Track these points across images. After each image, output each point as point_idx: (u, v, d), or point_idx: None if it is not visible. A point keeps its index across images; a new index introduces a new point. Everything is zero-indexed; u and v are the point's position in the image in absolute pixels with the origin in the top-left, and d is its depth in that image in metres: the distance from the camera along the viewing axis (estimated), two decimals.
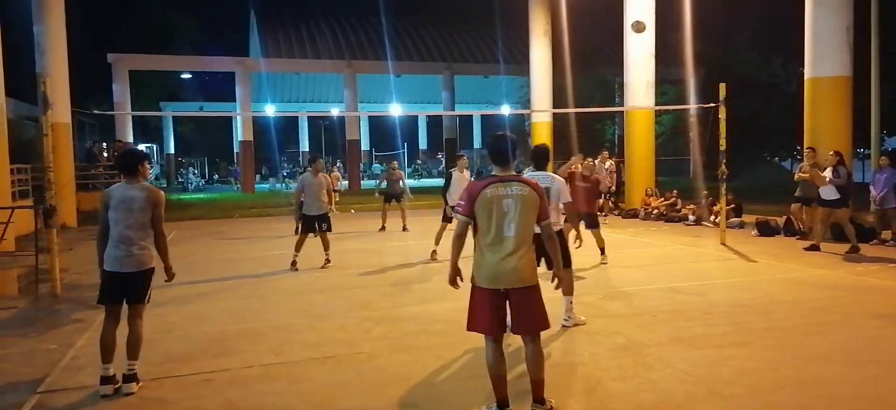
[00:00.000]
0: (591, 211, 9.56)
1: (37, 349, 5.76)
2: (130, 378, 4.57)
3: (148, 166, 5.01)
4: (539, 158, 5.02)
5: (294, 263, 9.46)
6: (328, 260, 9.68)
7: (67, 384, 4.81)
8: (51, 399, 4.53)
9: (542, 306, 3.94)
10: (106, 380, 4.50)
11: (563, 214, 6.16)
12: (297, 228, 9.93)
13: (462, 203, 4.00)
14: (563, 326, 6.00)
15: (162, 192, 4.97)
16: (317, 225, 9.58)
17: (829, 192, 10.18)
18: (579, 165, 9.77)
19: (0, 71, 12.43)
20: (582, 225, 6.82)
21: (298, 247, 9.57)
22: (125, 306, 4.71)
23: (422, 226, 15.37)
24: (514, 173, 4.00)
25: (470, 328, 3.98)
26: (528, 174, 5.77)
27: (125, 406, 4.37)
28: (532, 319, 3.90)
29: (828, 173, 10.23)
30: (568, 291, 5.98)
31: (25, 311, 7.34)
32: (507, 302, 3.86)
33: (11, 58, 12.96)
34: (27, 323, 6.76)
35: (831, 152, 10.46)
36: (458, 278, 4.03)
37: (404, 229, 13.91)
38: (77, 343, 5.87)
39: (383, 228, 14.24)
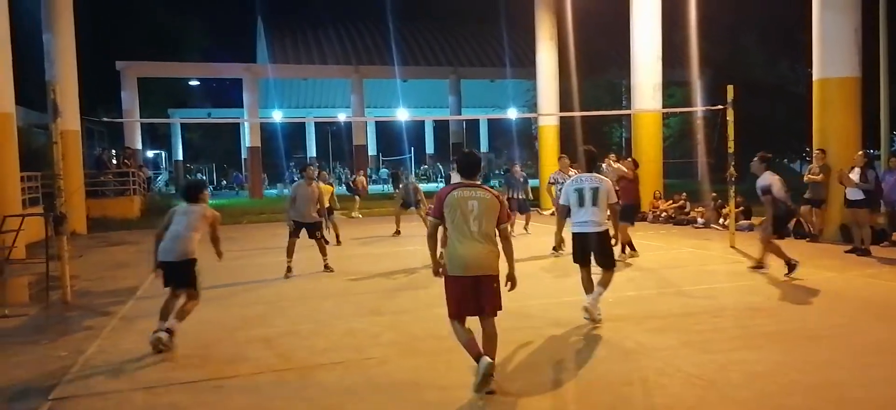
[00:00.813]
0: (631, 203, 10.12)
1: (48, 356, 5.80)
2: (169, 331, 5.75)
3: (208, 194, 6.59)
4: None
5: (289, 270, 9.43)
6: (327, 266, 9.66)
7: (78, 391, 4.84)
8: (62, 406, 4.56)
9: (499, 293, 4.58)
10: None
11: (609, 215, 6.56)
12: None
13: (432, 207, 4.74)
14: (584, 307, 6.20)
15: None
16: (309, 234, 9.57)
17: (855, 193, 10.19)
18: (615, 165, 10.13)
19: (10, 79, 12.53)
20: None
21: (289, 252, 9.51)
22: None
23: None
24: (478, 182, 4.68)
25: (448, 305, 4.59)
26: (575, 175, 6.29)
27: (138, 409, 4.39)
28: (489, 303, 4.53)
29: (855, 175, 10.23)
30: (604, 284, 6.36)
31: (36, 318, 7.39)
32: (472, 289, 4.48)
33: (21, 66, 13.06)
34: (38, 330, 6.80)
35: (859, 153, 10.51)
36: (440, 268, 4.68)
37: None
38: (88, 350, 5.90)
39: (398, 232, 14.27)
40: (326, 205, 12.48)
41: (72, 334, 6.59)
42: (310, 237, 9.59)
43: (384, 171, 39.76)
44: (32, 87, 19.45)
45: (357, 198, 20.74)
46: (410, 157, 42.75)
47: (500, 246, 4.64)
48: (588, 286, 6.42)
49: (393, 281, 8.95)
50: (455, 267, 4.50)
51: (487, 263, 4.48)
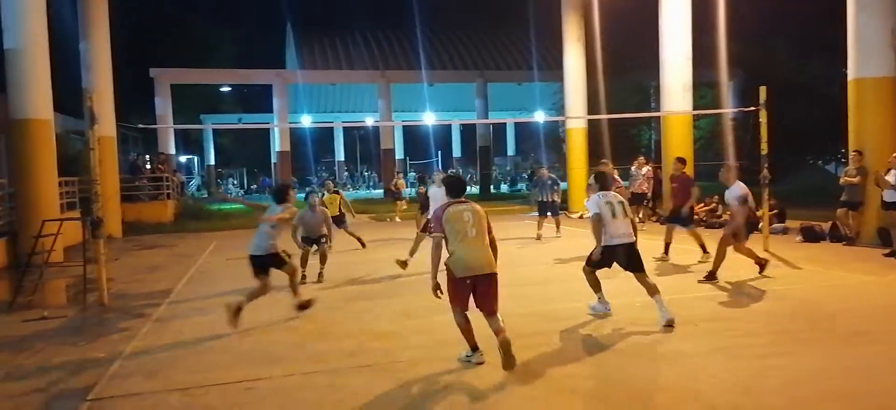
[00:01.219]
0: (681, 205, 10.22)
1: (86, 357, 5.94)
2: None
3: (293, 191, 7.72)
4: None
5: (303, 278, 9.31)
6: (321, 275, 9.52)
7: (115, 392, 4.95)
8: (100, 406, 4.67)
9: (497, 290, 5.24)
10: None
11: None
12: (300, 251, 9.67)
13: (433, 226, 5.49)
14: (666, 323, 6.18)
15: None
16: (317, 243, 9.54)
17: (892, 195, 10.00)
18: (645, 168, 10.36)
19: (49, 87, 12.88)
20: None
21: (303, 263, 9.39)
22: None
23: None
24: (464, 199, 5.47)
25: (452, 303, 5.27)
26: (597, 193, 6.68)
27: None
28: (491, 300, 5.18)
29: (892, 177, 10.02)
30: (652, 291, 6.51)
31: (74, 320, 7.57)
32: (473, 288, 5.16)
33: (58, 74, 13.42)
34: (76, 332, 6.97)
35: (894, 154, 10.27)
36: (438, 290, 5.30)
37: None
38: (125, 351, 6.03)
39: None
40: (338, 212, 12.54)
41: (109, 335, 6.73)
42: (318, 244, 9.56)
43: (411, 175, 39.94)
44: (69, 95, 19.94)
45: (398, 201, 20.76)
46: (437, 161, 42.84)
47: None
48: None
49: (420, 284, 8.96)
50: (461, 269, 5.13)
51: (487, 262, 5.19)
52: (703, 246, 10.00)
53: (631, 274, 6.58)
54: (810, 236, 12.06)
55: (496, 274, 5.21)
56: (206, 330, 6.75)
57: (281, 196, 7.39)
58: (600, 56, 22.05)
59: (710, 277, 8.18)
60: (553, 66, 29.17)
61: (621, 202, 6.63)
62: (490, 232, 5.32)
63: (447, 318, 6.85)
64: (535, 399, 4.49)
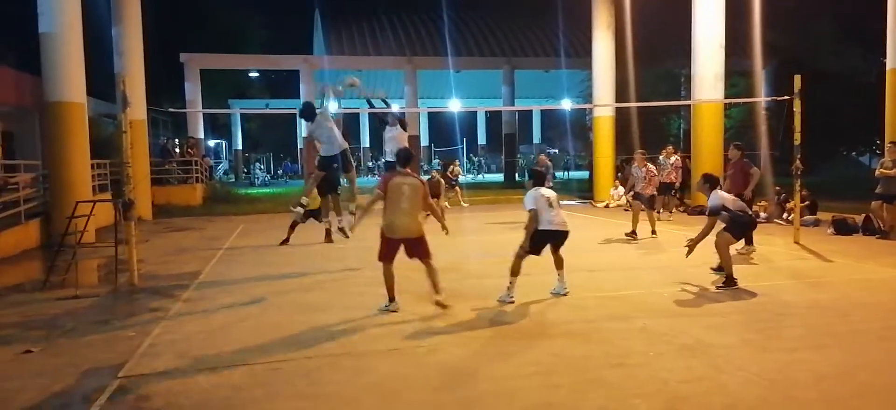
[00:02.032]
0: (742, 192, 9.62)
1: (117, 336, 6.06)
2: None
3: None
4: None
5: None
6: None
7: (146, 370, 5.04)
8: (131, 383, 4.76)
9: (426, 246, 6.53)
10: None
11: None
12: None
13: (378, 186, 6.60)
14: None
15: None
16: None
17: None
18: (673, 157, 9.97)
19: (82, 71, 13.11)
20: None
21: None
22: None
23: (477, 222, 15.40)
24: (409, 171, 6.60)
25: (380, 259, 6.53)
26: (533, 189, 7.13)
27: (200, 390, 4.55)
28: (420, 252, 6.54)
29: None
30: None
31: (106, 300, 7.73)
32: (403, 245, 6.50)
33: (91, 59, 13.64)
34: (108, 311, 7.11)
35: None
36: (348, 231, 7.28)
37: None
38: (154, 331, 6.14)
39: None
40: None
41: (139, 315, 6.87)
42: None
43: (436, 163, 39.94)
44: (101, 79, 20.28)
45: (457, 188, 20.49)
46: (462, 148, 42.77)
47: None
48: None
49: (445, 271, 8.97)
50: (390, 232, 6.41)
51: (414, 229, 6.41)
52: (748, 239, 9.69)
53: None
54: (842, 229, 11.81)
55: (421, 237, 6.45)
56: (234, 312, 6.85)
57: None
58: (631, 43, 21.75)
59: (729, 283, 7.72)
60: (581, 54, 28.88)
61: (556, 195, 7.29)
62: (426, 199, 6.50)
63: (473, 304, 6.89)
64: (561, 387, 4.47)
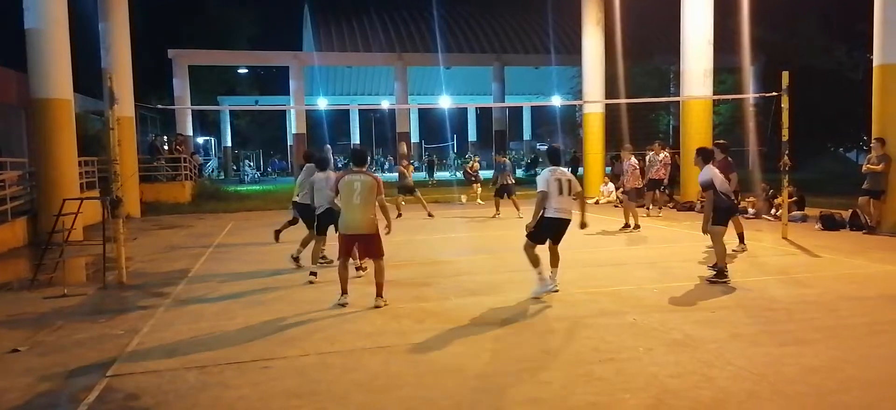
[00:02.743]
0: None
1: (105, 334, 6.02)
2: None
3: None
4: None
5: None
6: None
7: (134, 368, 5.01)
8: (119, 382, 4.73)
9: (379, 245, 6.63)
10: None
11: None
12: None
13: (331, 186, 6.95)
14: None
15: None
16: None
17: None
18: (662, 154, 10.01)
19: (68, 67, 12.98)
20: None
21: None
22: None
23: (469, 218, 15.41)
24: (364, 169, 6.72)
25: (339, 253, 6.74)
26: (548, 168, 7.13)
27: (189, 387, 4.52)
28: (372, 251, 6.68)
29: None
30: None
31: (94, 298, 7.67)
32: (356, 244, 6.73)
33: (78, 55, 13.51)
34: (95, 310, 7.06)
35: None
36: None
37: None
38: (143, 329, 6.10)
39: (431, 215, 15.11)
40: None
41: (127, 313, 6.82)
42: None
43: (469, 156, 39.88)
44: (89, 75, 20.12)
45: (475, 184, 20.27)
46: (452, 145, 42.78)
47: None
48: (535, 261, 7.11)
49: (436, 268, 8.99)
50: (343, 227, 6.58)
51: (365, 225, 6.49)
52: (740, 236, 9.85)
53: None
54: (830, 224, 11.90)
55: (373, 234, 6.53)
56: (223, 310, 6.81)
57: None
58: (620, 40, 21.81)
59: (720, 276, 7.70)
60: (571, 50, 28.94)
61: (570, 180, 7.05)
62: (378, 194, 6.52)
63: (461, 302, 6.89)
64: (550, 383, 4.48)
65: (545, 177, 6.96)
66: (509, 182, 15.43)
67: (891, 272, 8.06)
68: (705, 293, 7.06)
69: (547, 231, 7.05)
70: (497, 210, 15.17)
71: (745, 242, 9.86)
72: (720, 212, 7.80)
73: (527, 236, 7.07)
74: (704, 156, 7.99)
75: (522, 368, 4.79)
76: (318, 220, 8.41)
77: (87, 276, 9.45)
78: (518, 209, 14.46)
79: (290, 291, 7.67)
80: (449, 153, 43.34)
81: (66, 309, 7.05)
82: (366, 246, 6.67)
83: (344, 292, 6.73)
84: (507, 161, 16.51)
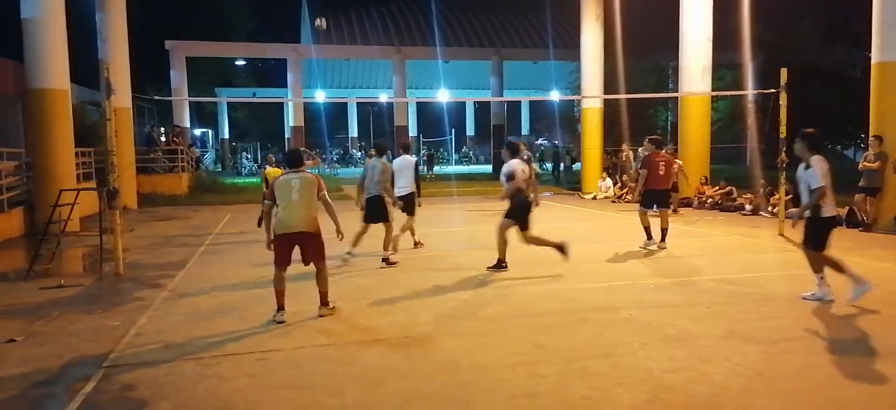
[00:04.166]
0: (666, 188, 9.88)
1: (102, 325, 6.02)
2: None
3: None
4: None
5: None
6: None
7: (130, 359, 5.01)
8: (116, 373, 4.73)
9: (321, 247, 6.10)
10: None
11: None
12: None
13: (266, 196, 6.53)
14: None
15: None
16: None
17: None
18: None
19: (65, 58, 12.94)
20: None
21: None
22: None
23: (466, 213, 15.41)
24: (302, 170, 6.23)
25: (275, 262, 6.01)
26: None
27: (186, 379, 4.52)
28: (314, 253, 6.08)
29: None
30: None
31: (90, 289, 7.67)
32: (297, 245, 6.00)
33: (75, 46, 13.47)
34: (92, 301, 7.06)
35: None
36: (271, 241, 6.12)
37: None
38: (139, 320, 6.10)
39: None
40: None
41: (124, 305, 6.81)
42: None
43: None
44: (86, 66, 20.04)
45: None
46: (451, 139, 42.71)
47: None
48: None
49: (430, 261, 8.99)
50: (280, 227, 5.94)
51: (305, 221, 5.95)
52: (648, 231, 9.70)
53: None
54: None
55: (314, 233, 5.97)
56: (220, 302, 6.82)
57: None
58: (619, 36, 21.77)
59: (498, 267, 8.01)
60: (570, 45, 28.87)
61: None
62: (320, 191, 6.08)
63: (458, 295, 6.90)
64: (546, 377, 4.49)
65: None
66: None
67: (886, 269, 8.09)
68: (701, 289, 7.08)
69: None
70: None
71: (666, 241, 9.66)
72: (514, 209, 7.92)
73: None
74: (510, 148, 8.34)
75: (517, 362, 4.80)
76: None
77: (84, 267, 9.45)
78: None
79: (286, 284, 7.65)
80: (448, 147, 43.30)
81: (62, 300, 7.04)
82: (307, 247, 6.02)
83: (281, 307, 6.01)
84: (529, 153, 16.07)
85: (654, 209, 9.71)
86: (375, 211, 8.69)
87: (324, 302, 6.15)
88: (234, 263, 9.10)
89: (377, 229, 8.74)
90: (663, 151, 10.27)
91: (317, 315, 6.07)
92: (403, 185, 9.27)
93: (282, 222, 5.95)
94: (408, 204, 9.39)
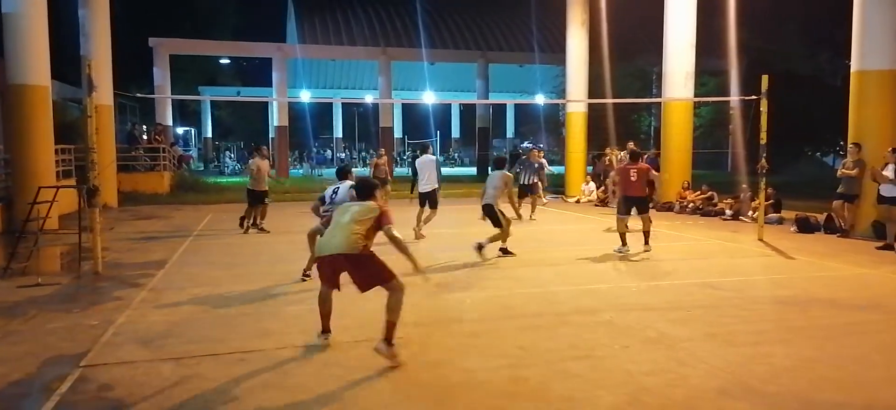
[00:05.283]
0: (640, 194, 9.97)
1: (79, 324, 5.94)
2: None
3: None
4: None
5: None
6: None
7: (108, 359, 4.96)
8: (93, 373, 4.68)
9: (374, 271, 5.02)
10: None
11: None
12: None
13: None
14: None
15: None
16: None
17: (889, 189, 10.00)
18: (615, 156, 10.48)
19: (46, 53, 12.78)
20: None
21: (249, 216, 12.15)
22: None
23: (454, 215, 15.41)
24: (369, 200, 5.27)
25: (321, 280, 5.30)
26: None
27: (165, 379, 4.48)
28: (365, 278, 5.05)
29: (889, 171, 10.02)
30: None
31: (68, 288, 7.57)
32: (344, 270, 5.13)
33: (56, 41, 13.31)
34: (70, 299, 6.97)
35: (890, 149, 10.24)
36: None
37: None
38: (118, 320, 6.03)
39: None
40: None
41: (102, 304, 6.74)
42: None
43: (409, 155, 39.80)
44: (67, 62, 19.80)
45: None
46: (436, 141, 42.71)
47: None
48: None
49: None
50: (318, 249, 5.21)
51: (345, 245, 4.96)
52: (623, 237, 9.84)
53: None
54: (805, 227, 12.09)
55: (354, 254, 4.93)
56: (200, 302, 6.76)
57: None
58: (606, 41, 21.91)
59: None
60: (556, 49, 29.02)
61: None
62: (383, 225, 5.08)
63: (440, 297, 6.90)
64: (528, 379, 4.51)
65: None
66: (534, 181, 14.91)
67: (863, 274, 8.21)
68: (682, 293, 7.14)
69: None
70: (532, 210, 14.46)
71: (650, 244, 9.76)
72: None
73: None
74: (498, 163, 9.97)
75: (500, 364, 4.82)
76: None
77: (62, 266, 9.33)
78: (532, 210, 14.38)
79: (269, 283, 7.62)
80: (434, 148, 43.29)
81: (40, 299, 6.95)
82: (353, 270, 5.08)
83: (324, 331, 5.40)
84: (543, 160, 16.54)
85: (634, 213, 9.84)
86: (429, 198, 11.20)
87: (386, 337, 4.85)
88: (214, 263, 9.04)
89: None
90: (640, 162, 10.39)
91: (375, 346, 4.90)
92: (426, 181, 11.22)
93: (320, 245, 5.24)
94: (431, 198, 11.20)
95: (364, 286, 5.09)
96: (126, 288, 7.42)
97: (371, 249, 5.11)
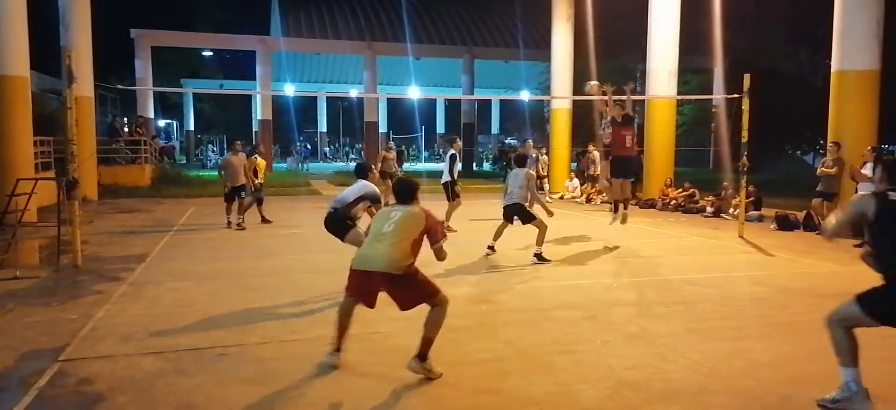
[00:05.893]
0: (632, 155, 10.55)
1: (58, 318, 5.87)
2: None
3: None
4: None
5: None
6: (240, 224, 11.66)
7: (87, 353, 4.90)
8: (72, 367, 4.62)
9: (415, 290, 4.54)
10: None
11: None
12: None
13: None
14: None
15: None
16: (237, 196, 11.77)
17: (868, 188, 10.13)
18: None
19: (25, 43, 12.58)
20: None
21: (228, 212, 11.86)
22: None
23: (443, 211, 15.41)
24: (411, 204, 4.72)
25: (346, 288, 4.72)
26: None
27: (145, 374, 4.44)
28: (406, 299, 4.56)
29: (868, 170, 10.16)
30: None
31: (47, 281, 7.48)
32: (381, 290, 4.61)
33: (35, 31, 13.10)
34: (49, 293, 6.88)
35: (868, 148, 10.40)
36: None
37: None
38: (97, 314, 5.97)
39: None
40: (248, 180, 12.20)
41: (82, 298, 6.66)
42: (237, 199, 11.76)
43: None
44: (46, 53, 19.49)
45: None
46: (421, 136, 42.68)
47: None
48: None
49: None
50: (355, 261, 4.61)
51: (388, 262, 4.46)
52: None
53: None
54: (784, 224, 12.24)
55: (398, 275, 4.43)
56: (181, 296, 6.71)
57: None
58: (590, 37, 21.99)
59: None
60: (541, 45, 29.09)
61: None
62: (434, 242, 4.65)
63: None
64: (510, 374, 4.53)
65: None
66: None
67: (841, 271, 8.33)
68: (663, 289, 7.20)
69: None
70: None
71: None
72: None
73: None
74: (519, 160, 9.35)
75: (484, 359, 4.83)
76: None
77: (41, 259, 9.21)
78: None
79: (251, 278, 7.59)
80: (419, 144, 43.25)
81: (18, 292, 6.85)
82: (391, 290, 4.56)
83: (336, 349, 4.73)
84: (536, 153, 16.70)
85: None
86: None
87: (420, 353, 4.45)
88: (196, 257, 8.97)
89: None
90: (634, 126, 10.80)
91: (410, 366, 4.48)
92: (442, 175, 12.09)
93: (358, 256, 4.63)
94: (447, 191, 11.92)
95: (406, 305, 4.54)
96: (106, 282, 7.34)
97: (415, 266, 4.56)
